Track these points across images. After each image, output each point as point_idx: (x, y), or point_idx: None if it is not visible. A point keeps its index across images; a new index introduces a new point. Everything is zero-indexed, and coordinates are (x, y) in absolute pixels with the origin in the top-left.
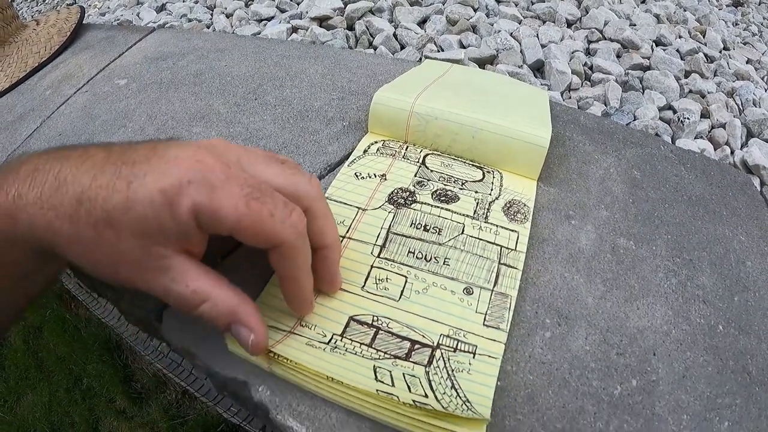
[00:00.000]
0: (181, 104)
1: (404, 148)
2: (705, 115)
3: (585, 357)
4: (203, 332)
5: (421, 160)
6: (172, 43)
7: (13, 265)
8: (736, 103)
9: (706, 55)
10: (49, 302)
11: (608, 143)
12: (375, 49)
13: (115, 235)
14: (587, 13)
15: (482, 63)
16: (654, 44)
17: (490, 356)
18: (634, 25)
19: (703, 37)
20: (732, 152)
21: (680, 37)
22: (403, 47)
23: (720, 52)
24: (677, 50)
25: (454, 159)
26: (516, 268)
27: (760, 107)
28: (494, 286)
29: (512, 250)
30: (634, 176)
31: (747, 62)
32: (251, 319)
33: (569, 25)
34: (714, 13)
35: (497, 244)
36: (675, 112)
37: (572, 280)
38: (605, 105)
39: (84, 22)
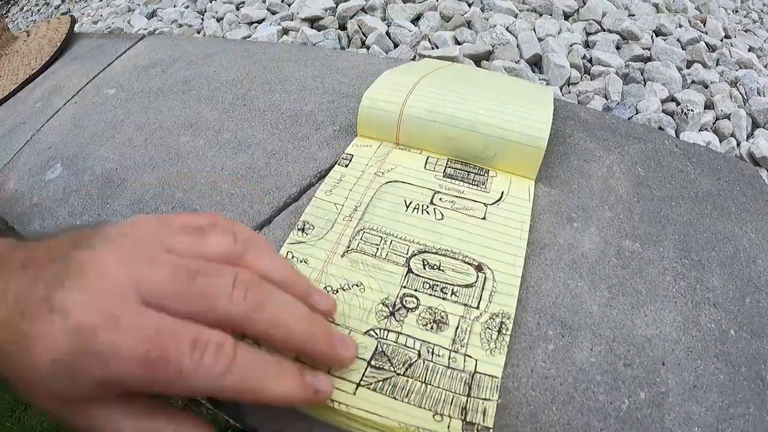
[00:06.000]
0: (169, 112)
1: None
2: (709, 106)
3: (590, 369)
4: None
5: (406, 262)
6: (161, 50)
7: None
8: (740, 93)
9: (707, 44)
10: None
11: (610, 139)
12: (368, 48)
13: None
14: (585, 4)
15: (478, 59)
16: (654, 34)
17: None
18: (633, 15)
19: (704, 25)
20: (738, 144)
21: (680, 26)
22: (396, 45)
23: (721, 40)
24: (678, 40)
25: (442, 255)
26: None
27: (765, 96)
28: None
29: (487, 376)
30: (638, 173)
31: (749, 50)
32: None
33: (567, 17)
34: (714, 1)
35: (466, 371)
36: (678, 104)
37: (576, 287)
38: (606, 99)
39: (77, 30)
